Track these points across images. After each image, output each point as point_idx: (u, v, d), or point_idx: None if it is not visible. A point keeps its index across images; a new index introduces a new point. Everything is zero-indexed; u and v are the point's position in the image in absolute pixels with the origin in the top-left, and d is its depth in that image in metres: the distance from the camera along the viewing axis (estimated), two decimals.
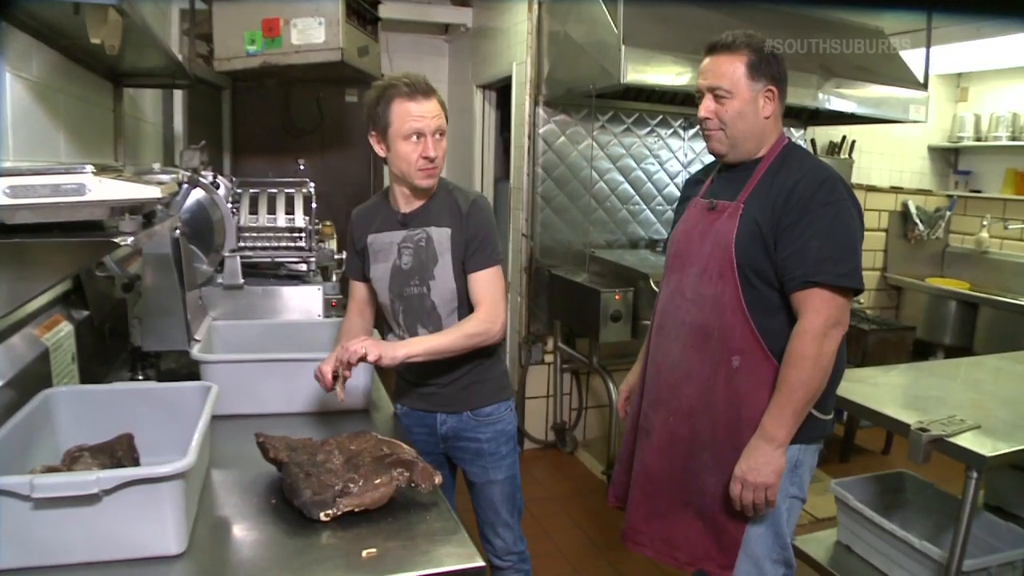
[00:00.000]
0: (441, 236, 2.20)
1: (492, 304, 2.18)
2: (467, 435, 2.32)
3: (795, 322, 1.94)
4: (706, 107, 2.05)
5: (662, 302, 2.25)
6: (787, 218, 1.93)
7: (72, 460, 1.56)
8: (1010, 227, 5.75)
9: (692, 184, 2.36)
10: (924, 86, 4.58)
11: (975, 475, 2.27)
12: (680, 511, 2.17)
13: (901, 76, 4.58)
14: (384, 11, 4.04)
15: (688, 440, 2.12)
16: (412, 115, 2.09)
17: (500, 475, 2.35)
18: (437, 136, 2.13)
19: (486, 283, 2.20)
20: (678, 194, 4.87)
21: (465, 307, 2.23)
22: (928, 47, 4.52)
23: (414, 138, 2.10)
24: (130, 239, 1.43)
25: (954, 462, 2.28)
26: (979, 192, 6.10)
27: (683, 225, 2.22)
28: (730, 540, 2.09)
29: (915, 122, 4.66)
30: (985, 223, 5.87)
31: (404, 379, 2.36)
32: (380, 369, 2.46)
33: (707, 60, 2.06)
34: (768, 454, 1.94)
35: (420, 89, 2.11)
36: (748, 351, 2.00)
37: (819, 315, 1.89)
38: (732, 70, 2.00)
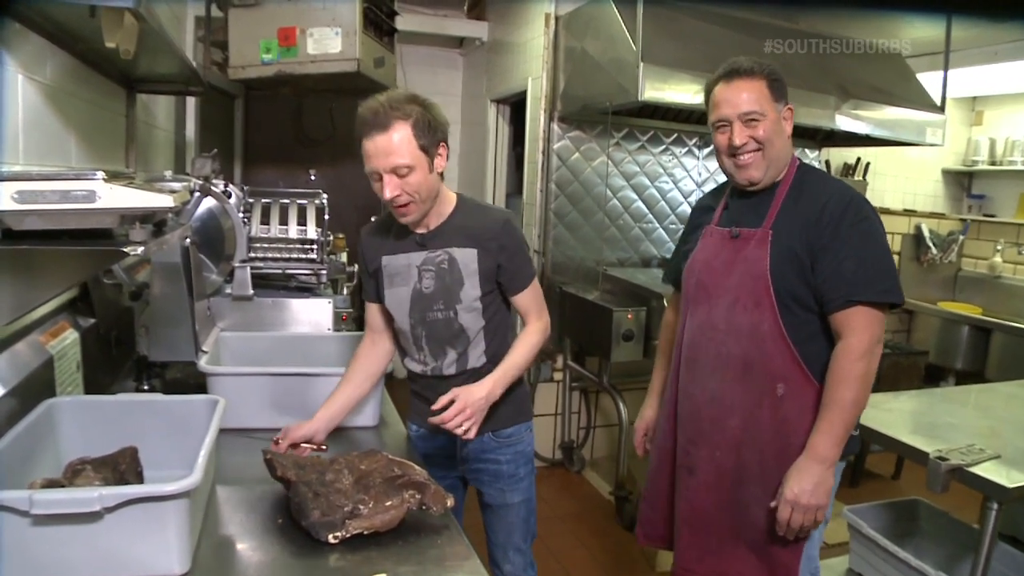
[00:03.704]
0: (466, 257, 2.10)
1: (540, 311, 2.24)
2: (487, 456, 2.26)
3: (833, 344, 1.93)
4: (740, 133, 1.99)
5: (690, 335, 2.17)
6: (820, 240, 1.92)
7: (74, 473, 1.52)
8: None
9: (702, 211, 2.31)
10: (941, 109, 4.54)
11: (995, 506, 2.22)
12: (732, 546, 2.12)
13: (918, 99, 4.55)
14: (400, 23, 4.02)
15: (735, 472, 2.08)
16: (368, 154, 1.93)
17: (517, 498, 2.29)
18: (404, 172, 1.93)
19: (530, 297, 2.21)
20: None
21: (493, 324, 2.17)
22: (946, 70, 4.48)
23: (375, 176, 1.95)
24: (140, 249, 1.40)
25: (966, 489, 2.25)
26: (993, 216, 6.07)
27: (702, 254, 2.17)
28: (785, 571, 2.05)
29: (931, 145, 4.62)
30: (999, 248, 5.83)
31: (421, 399, 2.27)
32: (390, 384, 2.43)
33: (724, 87, 2.02)
34: (820, 474, 1.90)
35: (379, 122, 1.91)
36: (791, 378, 1.98)
37: (866, 332, 1.88)
38: (759, 93, 1.98)
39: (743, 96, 1.99)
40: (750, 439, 2.04)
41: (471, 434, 2.01)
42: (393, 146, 1.91)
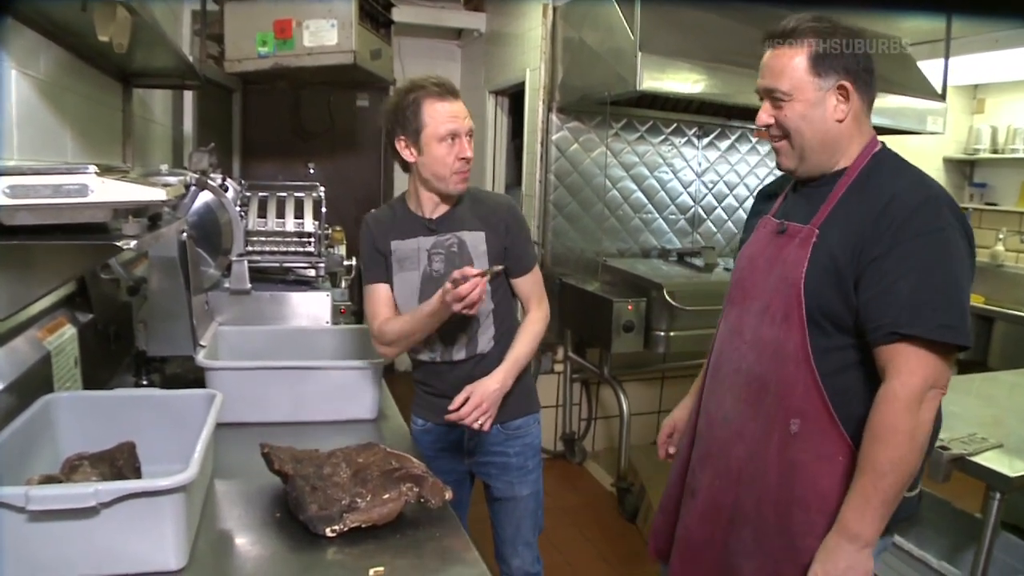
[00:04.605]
0: (475, 240, 2.15)
1: (540, 297, 2.27)
2: (495, 449, 2.27)
3: (875, 381, 1.56)
4: (765, 111, 1.69)
5: (719, 340, 1.89)
6: (874, 249, 1.53)
7: (71, 469, 1.52)
8: None
9: (763, 199, 1.97)
10: (942, 97, 4.52)
11: (998, 496, 2.21)
12: None
13: (919, 87, 4.53)
14: (397, 15, 4.00)
15: (732, 510, 1.77)
16: (447, 115, 2.04)
17: (526, 490, 2.30)
18: (469, 138, 2.08)
19: (532, 282, 2.25)
20: (691, 203, 4.91)
21: (501, 308, 2.21)
22: (947, 58, 4.46)
23: (449, 140, 2.04)
24: (133, 243, 1.39)
25: (969, 478, 2.23)
26: (995, 205, 6.03)
27: (749, 249, 1.85)
28: None
29: (932, 133, 4.60)
30: (1001, 236, 5.79)
31: (428, 392, 2.29)
32: (390, 378, 2.42)
33: (766, 54, 1.68)
34: (851, 556, 1.53)
35: (449, 89, 2.07)
36: (811, 415, 1.62)
37: (914, 376, 1.49)
38: (791, 67, 1.62)
39: (772, 68, 1.65)
40: (751, 478, 1.72)
41: (487, 426, 2.05)
42: (466, 111, 2.09)
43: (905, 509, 1.64)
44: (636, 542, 3.87)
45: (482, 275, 1.90)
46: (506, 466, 2.28)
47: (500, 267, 2.02)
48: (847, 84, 1.62)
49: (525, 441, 2.29)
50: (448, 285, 1.90)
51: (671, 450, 2.12)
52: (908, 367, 1.49)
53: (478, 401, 2.03)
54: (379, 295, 2.20)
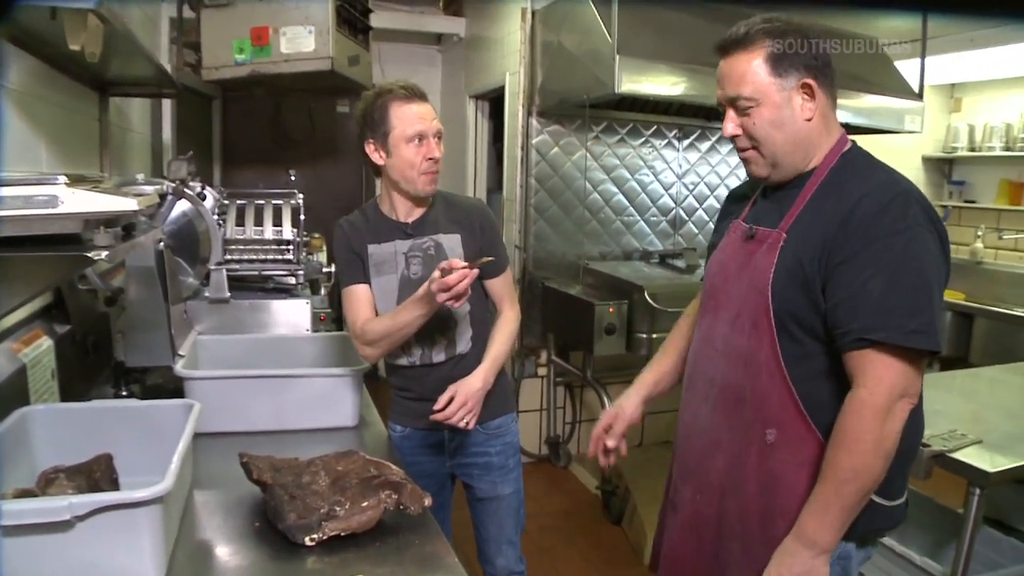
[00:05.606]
0: (451, 243, 2.18)
1: (512, 298, 2.31)
2: (476, 450, 2.29)
3: (848, 388, 1.50)
4: (731, 121, 1.64)
5: (693, 350, 1.84)
6: (841, 252, 1.48)
7: (47, 482, 1.50)
8: (1004, 237, 5.72)
9: (734, 200, 1.90)
10: (919, 96, 4.54)
11: (978, 491, 2.22)
12: None
13: (896, 86, 4.55)
14: (376, 20, 3.99)
15: (717, 523, 1.73)
16: (415, 117, 2.07)
17: (508, 489, 2.33)
18: (437, 139, 2.11)
19: (504, 283, 2.29)
20: (672, 205, 4.91)
21: (476, 309, 2.22)
22: (923, 57, 4.49)
23: (417, 141, 2.07)
24: (104, 253, 1.38)
25: (951, 474, 2.24)
26: (973, 202, 6.07)
27: (720, 255, 1.79)
28: None
29: (910, 132, 4.62)
30: (980, 233, 5.83)
31: (403, 398, 2.30)
32: (371, 384, 2.41)
33: (721, 63, 1.64)
34: (806, 562, 1.50)
35: (417, 93, 2.11)
36: (787, 424, 1.57)
37: (880, 384, 1.44)
38: (750, 71, 1.56)
39: (731, 76, 1.60)
40: (734, 488, 1.68)
41: (472, 424, 2.09)
42: (434, 114, 2.13)
43: (889, 517, 1.62)
44: (621, 545, 3.87)
45: (470, 267, 1.90)
46: (488, 466, 2.30)
47: (489, 258, 2.01)
48: (810, 81, 1.56)
49: (505, 440, 2.32)
50: (436, 274, 1.90)
51: (609, 443, 1.96)
52: (876, 374, 1.44)
53: (463, 400, 2.06)
54: (359, 296, 2.20)
